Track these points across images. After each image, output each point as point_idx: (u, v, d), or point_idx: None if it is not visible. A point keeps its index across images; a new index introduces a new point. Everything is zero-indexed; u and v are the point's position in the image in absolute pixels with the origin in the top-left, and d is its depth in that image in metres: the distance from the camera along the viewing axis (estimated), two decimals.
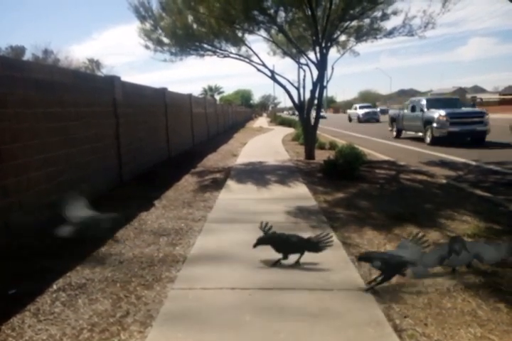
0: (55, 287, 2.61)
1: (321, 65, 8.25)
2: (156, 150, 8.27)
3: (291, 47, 9.87)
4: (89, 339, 2.03)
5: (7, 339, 2.05)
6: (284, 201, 4.87)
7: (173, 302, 2.38)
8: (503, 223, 3.83)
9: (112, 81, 6.01)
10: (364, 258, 2.61)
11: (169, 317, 2.20)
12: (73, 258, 3.08)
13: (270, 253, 2.88)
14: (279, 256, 2.88)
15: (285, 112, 74.09)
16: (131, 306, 2.36)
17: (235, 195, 5.38)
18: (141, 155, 7.20)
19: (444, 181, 6.08)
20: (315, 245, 2.86)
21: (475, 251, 2.66)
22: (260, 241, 2.95)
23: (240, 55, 9.19)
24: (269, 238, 2.96)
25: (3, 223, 3.37)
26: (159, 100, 8.83)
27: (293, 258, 2.86)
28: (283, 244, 2.92)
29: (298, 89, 9.07)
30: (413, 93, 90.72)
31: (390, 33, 8.79)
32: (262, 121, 39.96)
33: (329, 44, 8.43)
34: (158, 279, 2.72)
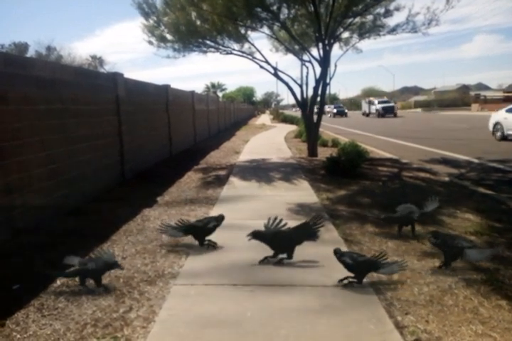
0: (58, 282, 2.64)
1: (324, 61, 8.23)
2: (158, 147, 8.29)
3: (294, 44, 9.84)
4: None
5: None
6: (286, 198, 4.87)
7: (176, 297, 2.40)
8: (505, 221, 3.82)
9: (115, 78, 6.01)
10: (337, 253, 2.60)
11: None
12: (76, 255, 3.10)
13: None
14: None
15: (294, 110, 72.06)
16: (133, 301, 2.38)
17: (237, 192, 5.39)
18: (144, 152, 7.22)
19: (446, 179, 6.06)
20: (311, 231, 2.87)
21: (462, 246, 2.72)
22: (253, 235, 2.91)
23: (242, 52, 9.18)
24: (261, 234, 2.92)
25: (6, 219, 3.40)
26: (162, 97, 8.83)
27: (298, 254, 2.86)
28: (275, 240, 2.88)
29: (301, 86, 9.06)
30: (417, 90, 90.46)
31: (393, 30, 8.75)
32: (265, 118, 39.90)
33: (332, 41, 8.41)
34: (160, 275, 2.73)
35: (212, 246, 3.20)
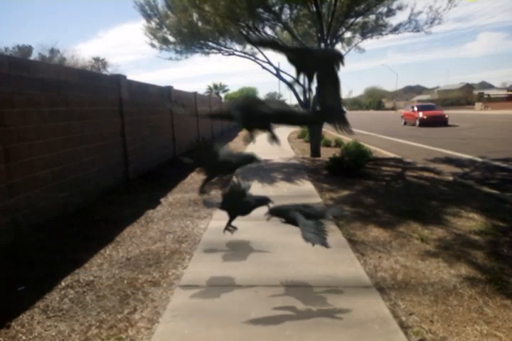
0: (64, 283, 2.65)
1: None
2: (161, 148, 8.30)
3: (297, 44, 9.84)
4: None
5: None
6: (289, 198, 4.86)
7: (180, 298, 2.41)
8: (509, 220, 3.80)
9: (118, 80, 6.03)
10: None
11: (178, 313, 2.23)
12: (80, 256, 3.12)
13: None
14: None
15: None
16: (138, 302, 2.39)
17: None
18: (147, 153, 7.23)
19: (450, 178, 6.04)
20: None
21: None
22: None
23: (245, 53, 9.20)
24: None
25: (11, 220, 3.42)
26: (165, 98, 8.84)
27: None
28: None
29: (303, 86, 9.04)
30: (420, 89, 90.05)
31: (395, 29, 8.75)
32: None
33: (334, 41, 8.40)
34: (164, 276, 2.74)
35: (229, 231, 3.17)
